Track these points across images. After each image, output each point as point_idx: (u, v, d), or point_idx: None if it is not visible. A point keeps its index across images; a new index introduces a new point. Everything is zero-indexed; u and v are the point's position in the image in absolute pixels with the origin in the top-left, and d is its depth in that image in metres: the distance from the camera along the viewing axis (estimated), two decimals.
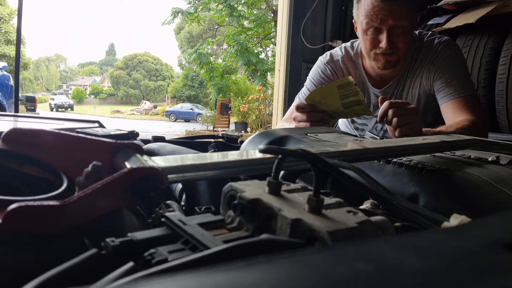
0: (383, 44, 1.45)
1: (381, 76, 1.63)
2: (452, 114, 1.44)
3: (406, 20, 1.44)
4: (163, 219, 0.39)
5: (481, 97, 2.70)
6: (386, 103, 1.16)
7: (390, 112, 1.14)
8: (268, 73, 12.16)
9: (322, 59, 1.71)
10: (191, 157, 0.60)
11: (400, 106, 1.15)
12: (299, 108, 1.25)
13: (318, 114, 1.25)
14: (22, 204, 0.37)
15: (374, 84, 1.65)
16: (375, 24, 1.44)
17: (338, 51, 1.70)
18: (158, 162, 0.51)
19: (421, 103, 1.61)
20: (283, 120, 1.72)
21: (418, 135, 1.11)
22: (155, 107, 35.82)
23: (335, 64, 1.67)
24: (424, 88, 1.58)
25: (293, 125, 1.49)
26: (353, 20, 1.62)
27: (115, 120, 21.95)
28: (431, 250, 0.25)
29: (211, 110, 15.87)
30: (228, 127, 14.30)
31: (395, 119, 1.14)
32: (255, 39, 12.94)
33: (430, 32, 1.64)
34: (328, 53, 1.71)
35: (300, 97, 1.73)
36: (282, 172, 0.65)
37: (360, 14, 1.49)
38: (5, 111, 5.63)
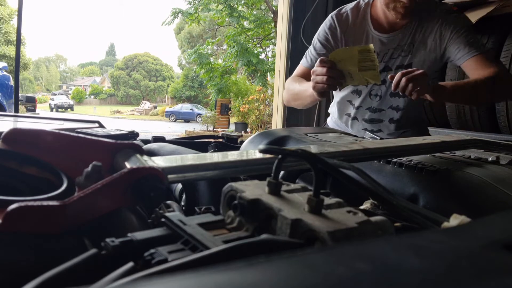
0: None
1: (391, 24, 1.62)
2: (477, 69, 1.49)
3: None
4: (163, 219, 0.39)
5: None
6: (399, 74, 1.29)
7: (404, 80, 1.27)
8: (268, 74, 12.16)
9: (332, 13, 1.74)
10: (191, 157, 0.60)
11: (410, 72, 1.28)
12: (321, 62, 1.31)
13: (337, 71, 1.31)
14: (22, 204, 0.37)
15: (381, 30, 1.65)
16: None
17: (351, 4, 1.72)
18: (158, 162, 0.51)
19: (424, 67, 1.60)
20: (291, 79, 1.75)
21: (427, 92, 1.31)
22: (155, 107, 35.82)
23: (341, 16, 1.69)
24: (430, 50, 1.59)
25: (304, 82, 1.59)
26: None
27: (115, 121, 21.95)
28: (431, 250, 0.25)
29: (211, 110, 15.87)
30: (228, 127, 14.30)
31: (410, 85, 1.27)
32: (255, 40, 12.95)
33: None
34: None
35: (307, 57, 1.74)
36: (282, 172, 0.65)
37: None
38: (5, 111, 5.63)
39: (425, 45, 1.59)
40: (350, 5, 1.71)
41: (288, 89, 1.75)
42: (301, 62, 1.80)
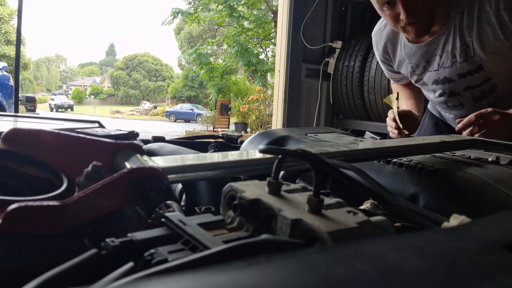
0: (402, 15, 1.30)
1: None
2: None
3: None
4: (163, 219, 0.39)
5: None
6: (468, 119, 1.23)
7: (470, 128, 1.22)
8: (268, 74, 12.15)
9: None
10: (191, 157, 0.60)
11: (479, 117, 1.21)
12: (389, 119, 1.43)
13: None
14: (22, 204, 0.37)
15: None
16: None
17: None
18: (158, 162, 0.51)
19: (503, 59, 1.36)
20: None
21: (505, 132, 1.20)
22: (155, 107, 35.81)
23: (378, 32, 1.63)
24: (497, 39, 1.31)
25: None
26: None
27: (115, 121, 21.94)
28: (431, 250, 0.25)
29: (211, 110, 15.87)
30: (228, 127, 14.30)
31: (475, 129, 1.21)
32: (255, 40, 12.94)
33: None
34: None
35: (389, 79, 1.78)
36: (282, 172, 0.65)
37: None
38: (5, 111, 5.63)
39: (484, 38, 1.32)
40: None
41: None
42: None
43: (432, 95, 1.61)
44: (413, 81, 1.61)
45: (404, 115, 1.44)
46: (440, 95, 1.54)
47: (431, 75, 1.50)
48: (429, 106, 1.85)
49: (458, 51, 1.39)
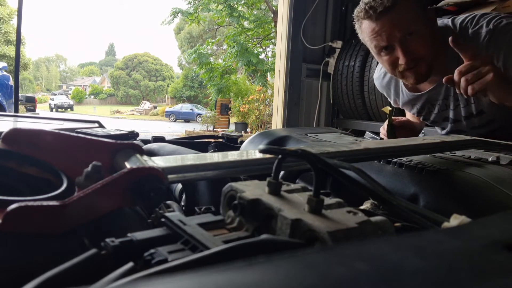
0: (401, 60, 1.26)
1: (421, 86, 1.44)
2: None
3: (415, 23, 1.25)
4: (163, 219, 0.39)
5: None
6: (455, 72, 1.09)
7: (457, 78, 1.08)
8: (268, 74, 12.15)
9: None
10: (191, 157, 0.60)
11: (467, 66, 1.08)
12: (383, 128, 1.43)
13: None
14: (22, 204, 0.37)
15: (414, 89, 1.47)
16: (383, 44, 1.27)
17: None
18: (158, 162, 0.51)
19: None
20: None
21: (498, 86, 1.06)
22: (155, 107, 35.81)
23: (379, 82, 1.64)
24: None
25: None
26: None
27: (115, 121, 21.94)
28: (431, 250, 0.25)
29: (211, 110, 15.87)
30: (228, 127, 14.30)
31: (462, 79, 1.07)
32: (255, 40, 12.94)
33: (468, 18, 1.33)
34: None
35: None
36: (282, 172, 0.65)
37: (365, 39, 1.34)
38: (5, 111, 5.63)
39: None
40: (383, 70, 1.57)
41: None
42: None
43: (439, 131, 1.65)
44: (421, 119, 1.62)
45: (400, 125, 1.46)
46: (447, 133, 1.55)
47: (437, 116, 1.51)
48: None
49: (459, 97, 1.38)
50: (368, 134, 1.41)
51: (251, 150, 0.85)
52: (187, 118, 25.49)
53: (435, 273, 0.21)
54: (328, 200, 0.40)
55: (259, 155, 0.58)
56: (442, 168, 0.67)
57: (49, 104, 37.69)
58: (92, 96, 49.38)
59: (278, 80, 3.74)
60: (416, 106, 1.52)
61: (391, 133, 1.38)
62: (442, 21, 1.39)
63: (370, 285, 0.20)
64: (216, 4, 11.94)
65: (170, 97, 38.41)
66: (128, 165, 0.50)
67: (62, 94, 47.02)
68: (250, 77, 14.63)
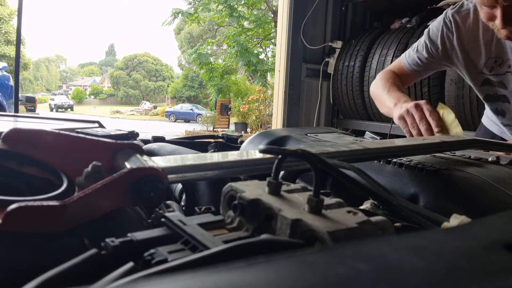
0: (498, 22, 1.21)
1: None
2: None
3: None
4: (163, 219, 0.39)
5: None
6: None
7: None
8: (268, 74, 12.16)
9: (449, 10, 1.44)
10: (191, 157, 0.60)
11: None
12: (430, 112, 1.17)
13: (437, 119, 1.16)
14: (22, 204, 0.37)
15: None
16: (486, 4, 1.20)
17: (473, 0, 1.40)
18: (158, 162, 0.51)
19: None
20: (384, 72, 1.56)
21: None
22: (155, 107, 35.82)
23: (461, 15, 1.41)
24: None
25: (393, 88, 1.39)
26: None
27: (115, 121, 21.95)
28: (431, 250, 0.25)
29: (211, 110, 15.87)
30: (228, 127, 14.30)
31: None
32: (255, 40, 12.95)
33: None
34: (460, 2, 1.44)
35: (407, 57, 1.53)
36: (282, 172, 0.65)
37: None
38: (5, 111, 5.63)
39: None
40: (472, 1, 1.40)
41: (376, 84, 1.54)
42: (401, 56, 1.59)
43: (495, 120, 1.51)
44: (477, 87, 1.46)
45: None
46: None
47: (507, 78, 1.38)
48: (484, 121, 1.72)
49: None
50: (368, 134, 1.40)
51: (251, 150, 0.85)
52: (187, 118, 25.49)
53: (435, 273, 0.21)
54: (328, 200, 0.40)
55: (259, 155, 0.58)
56: (442, 168, 0.67)
57: (49, 104, 37.72)
58: (92, 96, 49.39)
59: (278, 80, 3.74)
60: (494, 57, 1.38)
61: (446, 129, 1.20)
62: None
63: (370, 285, 0.20)
64: (216, 4, 11.95)
65: (170, 97, 38.42)
66: (128, 165, 0.50)
67: (62, 94, 47.05)
68: (250, 77, 14.64)
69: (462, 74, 1.53)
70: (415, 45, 1.53)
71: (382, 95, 1.43)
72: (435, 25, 1.48)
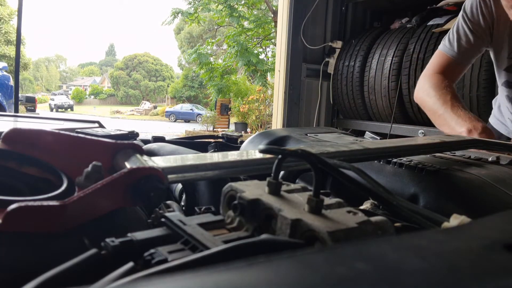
0: None
1: None
2: None
3: None
4: (163, 219, 0.39)
5: (481, 97, 2.71)
6: None
7: None
8: (268, 74, 12.15)
9: None
10: (191, 157, 0.60)
11: None
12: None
13: None
14: (22, 204, 0.37)
15: None
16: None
17: None
18: (158, 162, 0.51)
19: None
20: (429, 78, 1.44)
21: None
22: (155, 107, 35.83)
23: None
24: None
25: (445, 96, 1.33)
26: None
27: (115, 121, 21.96)
28: (431, 250, 0.25)
29: (211, 110, 15.88)
30: (228, 127, 14.31)
31: None
32: (255, 40, 12.94)
33: None
34: None
35: (451, 43, 1.44)
36: (282, 172, 0.65)
37: None
38: (5, 111, 5.63)
39: None
40: None
41: (427, 92, 1.43)
42: (440, 48, 1.49)
43: None
44: (501, 70, 1.41)
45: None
46: None
47: None
48: (491, 120, 1.68)
49: None
50: (368, 134, 1.40)
51: (251, 150, 0.85)
52: (187, 118, 25.50)
53: (435, 273, 0.21)
54: (328, 200, 0.40)
55: (259, 155, 0.58)
56: (442, 168, 0.67)
57: (49, 104, 37.74)
58: (92, 96, 49.39)
59: (278, 80, 3.74)
60: None
61: None
62: None
63: (370, 285, 0.20)
64: (216, 4, 11.95)
65: (170, 97, 38.42)
66: (128, 165, 0.50)
67: (62, 94, 47.06)
68: (250, 77, 14.63)
69: (492, 55, 1.47)
70: (450, 35, 1.46)
71: (444, 111, 1.34)
72: (471, 4, 1.40)
